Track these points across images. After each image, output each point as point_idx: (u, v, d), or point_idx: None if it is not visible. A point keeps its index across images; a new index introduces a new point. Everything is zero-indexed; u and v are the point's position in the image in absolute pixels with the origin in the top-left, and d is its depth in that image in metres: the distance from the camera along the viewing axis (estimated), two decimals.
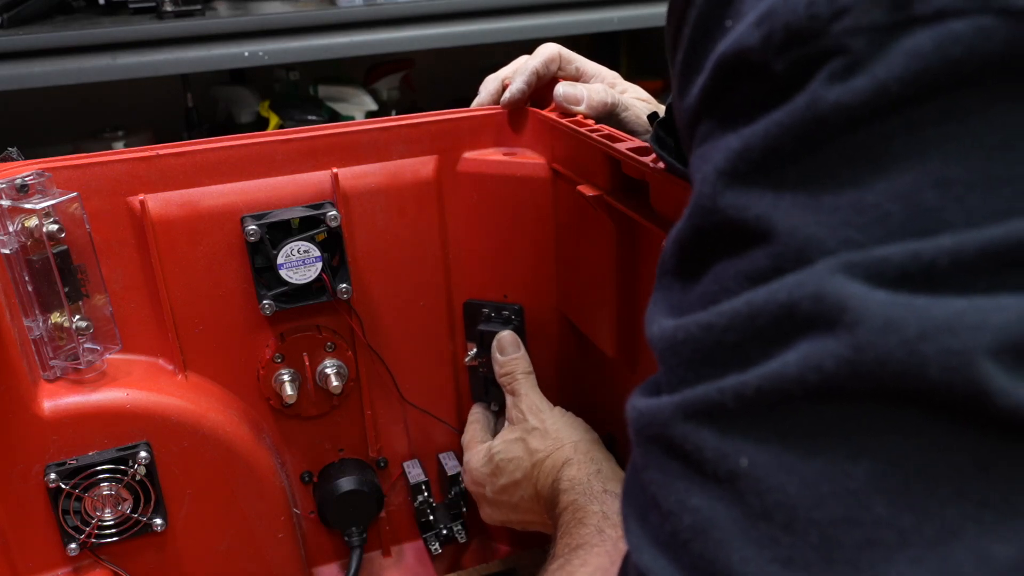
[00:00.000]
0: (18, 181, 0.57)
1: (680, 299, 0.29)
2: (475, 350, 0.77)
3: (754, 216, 0.25)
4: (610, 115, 0.69)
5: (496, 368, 0.74)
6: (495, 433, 0.75)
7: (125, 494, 0.65)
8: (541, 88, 0.72)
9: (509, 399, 0.73)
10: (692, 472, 0.26)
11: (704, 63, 0.29)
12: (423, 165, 0.71)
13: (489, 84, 0.74)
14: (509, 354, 0.73)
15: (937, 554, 0.21)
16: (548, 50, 0.72)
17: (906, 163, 0.23)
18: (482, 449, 0.72)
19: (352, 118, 1.55)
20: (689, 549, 0.25)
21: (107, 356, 0.64)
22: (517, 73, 0.71)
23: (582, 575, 0.51)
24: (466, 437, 0.76)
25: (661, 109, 0.70)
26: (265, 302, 0.66)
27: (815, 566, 0.23)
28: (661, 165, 0.52)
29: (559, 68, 0.72)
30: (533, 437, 0.68)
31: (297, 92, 1.64)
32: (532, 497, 0.66)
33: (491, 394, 0.77)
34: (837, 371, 0.22)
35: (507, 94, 0.71)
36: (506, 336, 0.74)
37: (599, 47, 1.91)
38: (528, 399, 0.71)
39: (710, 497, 0.25)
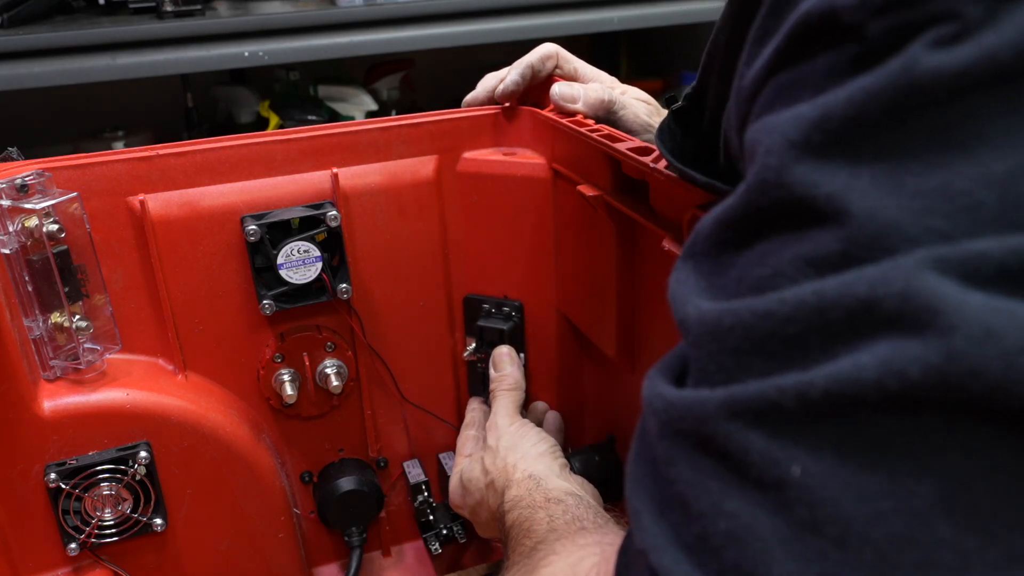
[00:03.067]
0: (18, 181, 0.57)
1: (712, 281, 0.27)
2: (474, 345, 0.77)
3: (825, 194, 0.23)
4: (608, 114, 0.69)
5: (490, 382, 0.75)
6: None
7: (125, 494, 0.65)
8: (540, 87, 0.72)
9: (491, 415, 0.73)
10: (732, 474, 0.24)
11: (782, 28, 0.27)
12: (423, 165, 0.71)
13: (487, 81, 0.74)
14: (500, 370, 0.74)
15: None
16: (545, 47, 0.72)
17: (1003, 147, 0.21)
18: (461, 467, 0.72)
19: (352, 118, 1.55)
20: (721, 556, 0.24)
21: (107, 356, 0.64)
22: (512, 67, 0.71)
23: (554, 564, 0.47)
24: (459, 442, 0.76)
25: (662, 110, 0.69)
26: (265, 302, 0.66)
27: None
28: (662, 163, 0.52)
29: (557, 67, 0.72)
30: (488, 456, 0.67)
31: (297, 92, 1.64)
32: (491, 516, 0.66)
33: (488, 390, 0.78)
34: (923, 379, 0.20)
35: (501, 86, 0.71)
36: (501, 352, 0.75)
37: (599, 47, 1.90)
38: (496, 418, 0.70)
39: (751, 503, 0.23)
